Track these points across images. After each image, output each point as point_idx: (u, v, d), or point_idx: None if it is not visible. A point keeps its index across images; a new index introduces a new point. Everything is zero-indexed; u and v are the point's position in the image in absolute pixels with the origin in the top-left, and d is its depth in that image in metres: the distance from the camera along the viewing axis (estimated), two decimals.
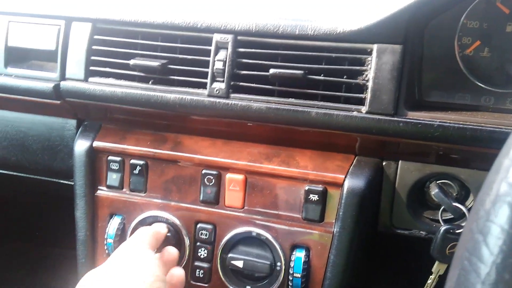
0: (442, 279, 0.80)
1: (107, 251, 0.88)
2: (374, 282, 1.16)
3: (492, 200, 0.30)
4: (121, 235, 0.87)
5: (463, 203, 0.76)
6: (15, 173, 1.01)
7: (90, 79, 0.85)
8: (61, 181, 0.98)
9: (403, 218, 0.80)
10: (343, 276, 0.78)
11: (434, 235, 0.77)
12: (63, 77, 0.86)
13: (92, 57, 0.85)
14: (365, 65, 0.74)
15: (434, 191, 0.76)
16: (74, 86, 0.85)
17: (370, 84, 0.73)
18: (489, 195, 0.31)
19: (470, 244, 0.31)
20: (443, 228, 0.75)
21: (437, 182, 0.77)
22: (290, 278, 0.79)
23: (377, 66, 0.72)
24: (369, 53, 0.73)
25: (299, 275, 0.79)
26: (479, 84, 0.75)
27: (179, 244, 0.84)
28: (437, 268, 0.78)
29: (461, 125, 0.70)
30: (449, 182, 0.77)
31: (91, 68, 0.85)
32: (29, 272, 1.51)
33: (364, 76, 0.74)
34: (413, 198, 0.80)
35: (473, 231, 0.31)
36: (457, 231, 0.75)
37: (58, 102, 0.87)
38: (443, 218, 0.78)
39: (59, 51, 0.86)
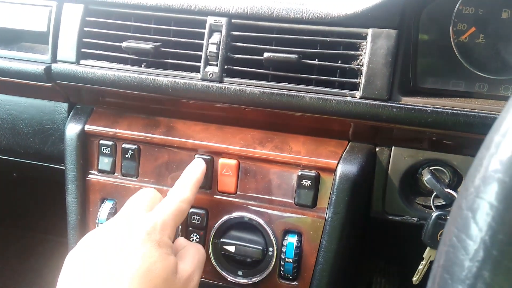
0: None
1: None
2: (366, 268, 1.17)
3: (482, 176, 0.30)
4: None
5: (455, 190, 0.76)
6: (5, 157, 1.00)
7: (82, 61, 0.84)
8: (52, 166, 0.97)
9: (395, 204, 0.80)
10: (334, 262, 0.79)
11: (426, 221, 0.77)
12: (54, 59, 0.85)
13: (84, 39, 0.84)
14: (360, 49, 0.73)
15: (426, 177, 0.76)
16: (66, 69, 0.84)
17: (364, 69, 0.72)
18: (479, 171, 0.30)
19: (459, 221, 0.31)
20: (434, 214, 0.75)
21: (430, 168, 0.77)
22: (282, 263, 0.79)
23: (371, 50, 0.72)
24: (364, 37, 0.73)
25: (291, 260, 0.79)
26: (474, 71, 0.75)
27: None
28: (429, 254, 0.79)
29: (454, 111, 0.70)
30: (441, 168, 0.77)
31: (83, 50, 0.84)
32: (20, 259, 1.50)
33: (358, 61, 0.73)
34: (405, 184, 0.80)
35: (462, 208, 0.31)
36: (449, 217, 0.75)
37: (49, 84, 0.86)
38: (435, 204, 0.78)
39: (50, 32, 0.84)
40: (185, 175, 0.76)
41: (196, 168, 0.78)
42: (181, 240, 0.75)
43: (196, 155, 0.83)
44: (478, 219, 0.30)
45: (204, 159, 0.82)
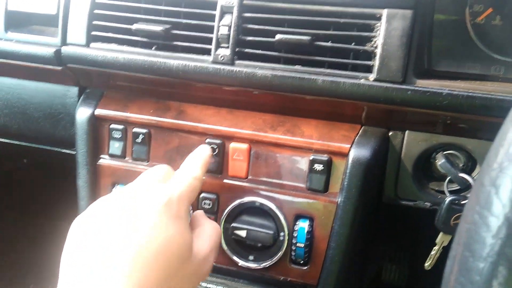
0: (446, 250, 0.79)
1: None
2: (377, 254, 1.16)
3: (506, 150, 0.29)
4: None
5: (470, 174, 0.75)
6: (17, 142, 1.00)
7: (92, 44, 0.83)
8: (63, 151, 0.97)
9: (408, 189, 0.79)
10: (346, 247, 0.78)
11: (439, 206, 0.76)
12: (64, 42, 0.84)
13: (94, 22, 0.83)
14: (374, 31, 0.72)
15: (440, 161, 0.75)
16: (76, 52, 0.84)
17: (378, 51, 0.71)
18: (503, 146, 0.29)
19: (482, 197, 0.30)
20: (448, 198, 0.74)
21: (444, 152, 0.76)
22: (293, 248, 0.79)
23: (386, 32, 0.70)
24: (378, 18, 0.71)
25: (302, 245, 0.78)
26: (490, 53, 0.73)
27: None
28: (441, 239, 0.78)
29: (470, 94, 0.68)
30: (456, 153, 0.76)
31: (93, 33, 0.83)
32: (30, 245, 1.52)
33: (372, 42, 0.72)
34: (418, 169, 0.79)
35: (485, 184, 0.30)
36: (462, 202, 0.74)
37: (59, 68, 0.85)
38: (448, 189, 0.77)
39: (60, 15, 0.84)
40: (192, 156, 0.74)
41: (202, 151, 0.75)
42: (198, 215, 0.71)
43: (207, 139, 0.82)
44: (502, 195, 0.29)
45: (215, 143, 0.81)
